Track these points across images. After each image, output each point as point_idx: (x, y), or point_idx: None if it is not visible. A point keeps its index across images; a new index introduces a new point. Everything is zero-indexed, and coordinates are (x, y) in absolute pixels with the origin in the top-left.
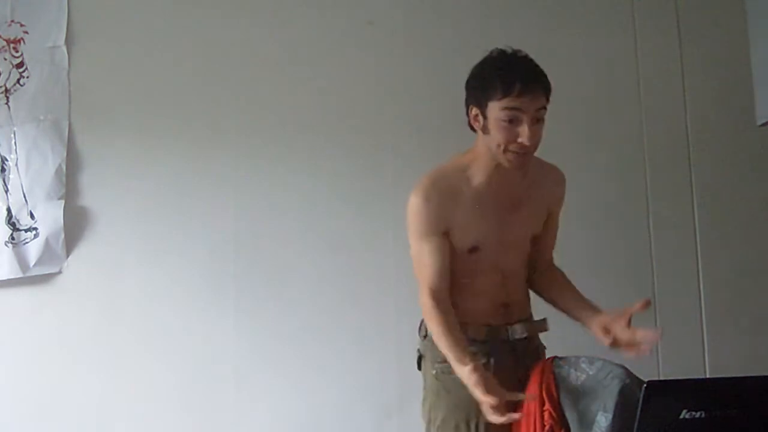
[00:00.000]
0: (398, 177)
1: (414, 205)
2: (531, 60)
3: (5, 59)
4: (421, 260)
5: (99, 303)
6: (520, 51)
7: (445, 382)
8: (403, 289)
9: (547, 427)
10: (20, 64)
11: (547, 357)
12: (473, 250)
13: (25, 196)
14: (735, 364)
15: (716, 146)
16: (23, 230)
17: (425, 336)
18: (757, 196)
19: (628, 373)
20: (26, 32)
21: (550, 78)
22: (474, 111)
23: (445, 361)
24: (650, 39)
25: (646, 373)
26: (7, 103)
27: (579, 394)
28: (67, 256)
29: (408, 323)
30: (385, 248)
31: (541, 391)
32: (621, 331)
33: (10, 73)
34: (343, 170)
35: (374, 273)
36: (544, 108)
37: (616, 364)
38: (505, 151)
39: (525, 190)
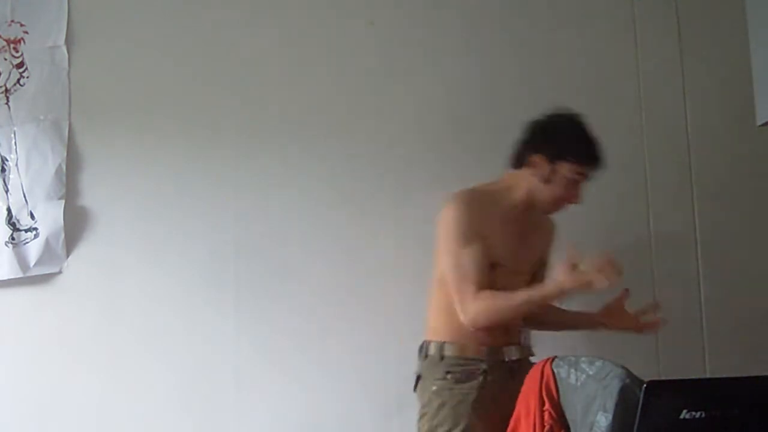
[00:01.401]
0: (398, 177)
1: (453, 211)
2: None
3: (5, 59)
4: (462, 266)
5: (99, 303)
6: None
7: (443, 396)
8: (404, 289)
9: (546, 427)
10: (20, 64)
11: (547, 357)
12: (493, 266)
13: (25, 196)
14: (735, 364)
15: (716, 146)
16: (23, 230)
17: (426, 357)
18: (757, 197)
19: (628, 373)
20: (26, 32)
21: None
22: (541, 159)
23: (443, 378)
24: (650, 39)
25: (646, 373)
26: (7, 103)
27: (579, 394)
28: (67, 256)
29: (408, 323)
30: (385, 249)
31: (540, 392)
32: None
33: (10, 73)
34: (343, 170)
35: (374, 273)
36: None
37: (616, 364)
38: (558, 203)
39: (532, 226)
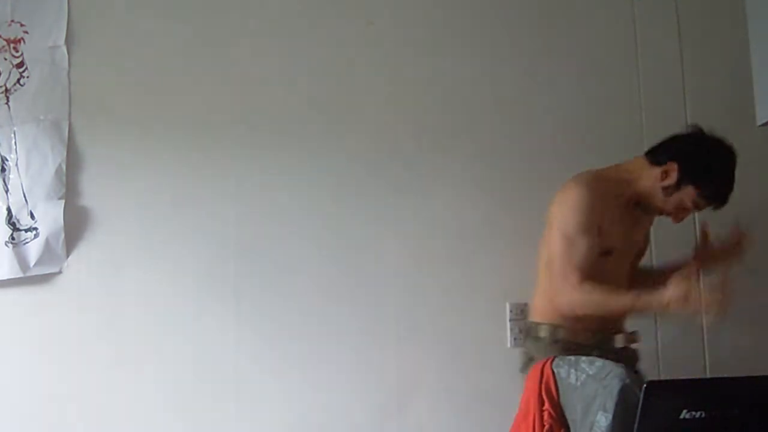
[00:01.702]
0: (398, 177)
1: (577, 195)
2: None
3: (5, 59)
4: (572, 254)
5: (99, 303)
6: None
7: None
8: (404, 289)
9: (546, 427)
10: (20, 64)
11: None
12: (607, 253)
13: (25, 196)
14: (735, 364)
15: None
16: (23, 230)
17: (537, 338)
18: (757, 196)
19: (628, 373)
20: (26, 32)
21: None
22: (674, 171)
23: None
24: (650, 39)
25: (646, 373)
26: (7, 103)
27: (579, 394)
28: (67, 256)
29: (408, 323)
30: (385, 249)
31: (540, 391)
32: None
33: (10, 73)
34: (343, 170)
35: (374, 273)
36: None
37: (616, 364)
38: (663, 213)
39: (642, 221)
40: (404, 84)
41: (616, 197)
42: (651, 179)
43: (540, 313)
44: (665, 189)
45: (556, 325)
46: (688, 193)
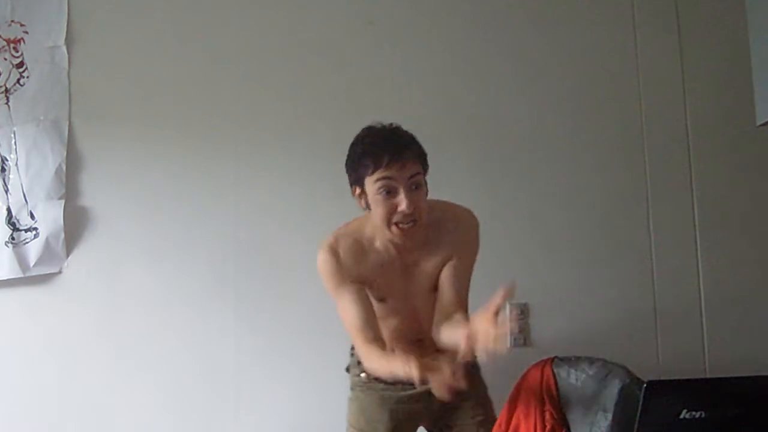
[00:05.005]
0: None
1: (322, 261)
2: (400, 130)
3: (5, 59)
4: (345, 312)
5: (99, 303)
6: (391, 124)
7: (356, 392)
8: None
9: (548, 427)
10: (20, 64)
11: (546, 357)
12: (382, 300)
13: (25, 196)
14: (735, 364)
15: (716, 146)
16: (23, 230)
17: (351, 354)
18: (757, 196)
19: (628, 373)
20: (26, 32)
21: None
22: (357, 191)
23: (358, 375)
24: (650, 39)
25: (646, 373)
26: (7, 103)
27: (579, 394)
28: (67, 256)
29: None
30: None
31: (541, 392)
32: (480, 323)
33: (10, 73)
34: (342, 170)
35: None
36: (420, 173)
37: (616, 364)
38: (390, 225)
39: (421, 250)
40: (404, 84)
41: (369, 247)
42: (363, 213)
43: None
44: (367, 205)
45: None
46: (371, 184)
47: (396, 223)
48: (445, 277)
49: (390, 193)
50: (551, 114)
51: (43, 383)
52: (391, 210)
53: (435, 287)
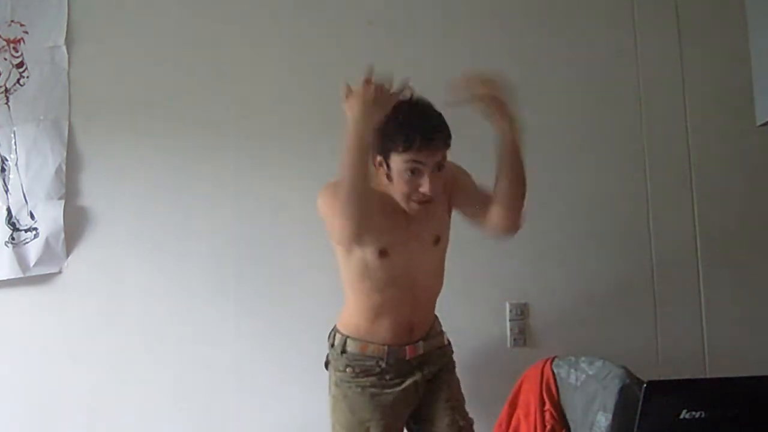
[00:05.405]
0: None
1: (324, 188)
2: (432, 111)
3: (5, 59)
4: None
5: (99, 303)
6: (422, 101)
7: (343, 388)
8: None
9: (548, 427)
10: (20, 64)
11: (546, 357)
12: (383, 253)
13: (25, 196)
14: (735, 364)
15: (716, 146)
16: (23, 230)
17: (332, 345)
18: (757, 196)
19: (628, 373)
20: (26, 32)
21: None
22: (378, 159)
23: (343, 370)
24: (650, 39)
25: (646, 373)
26: (7, 103)
27: (579, 394)
28: (67, 256)
29: None
30: None
31: (541, 392)
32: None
33: (10, 73)
34: None
35: None
36: (444, 156)
37: (616, 364)
38: (409, 200)
39: (426, 209)
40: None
41: (375, 192)
42: (381, 177)
43: (341, 320)
44: (387, 176)
45: (346, 336)
46: (398, 162)
47: (414, 199)
48: (464, 195)
49: (414, 173)
50: (551, 114)
51: (44, 383)
52: (414, 189)
53: (437, 240)
